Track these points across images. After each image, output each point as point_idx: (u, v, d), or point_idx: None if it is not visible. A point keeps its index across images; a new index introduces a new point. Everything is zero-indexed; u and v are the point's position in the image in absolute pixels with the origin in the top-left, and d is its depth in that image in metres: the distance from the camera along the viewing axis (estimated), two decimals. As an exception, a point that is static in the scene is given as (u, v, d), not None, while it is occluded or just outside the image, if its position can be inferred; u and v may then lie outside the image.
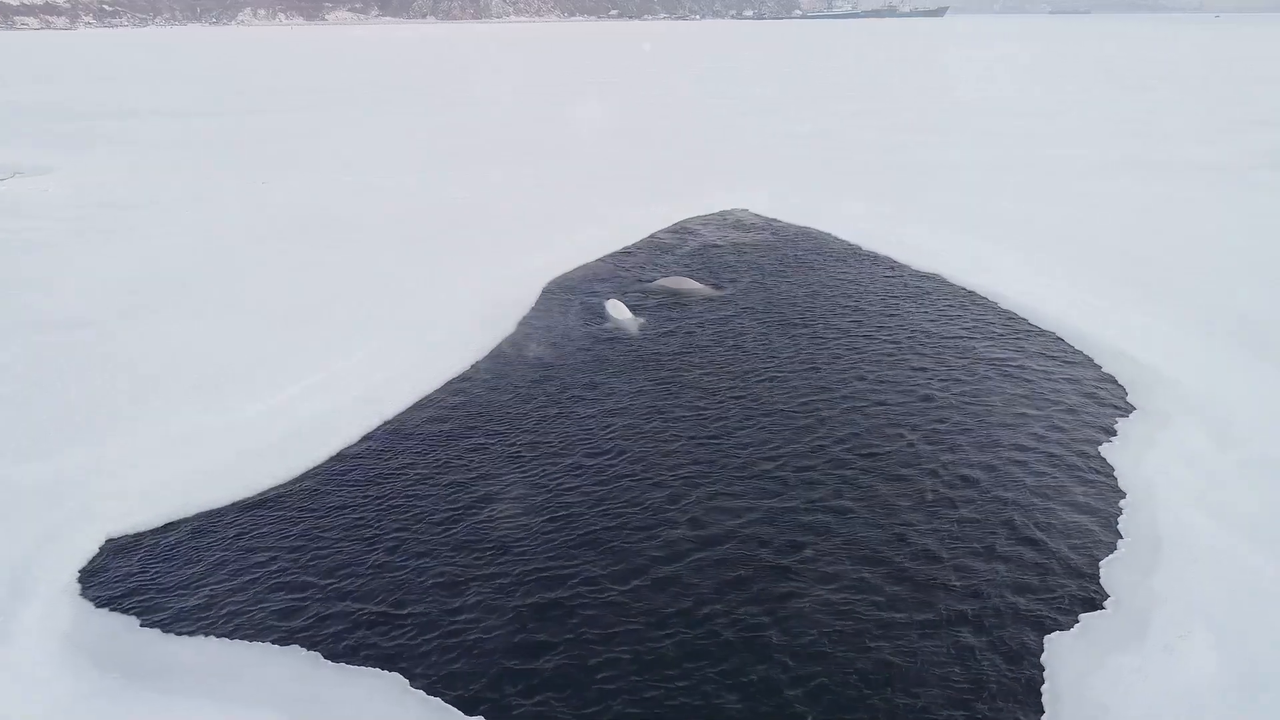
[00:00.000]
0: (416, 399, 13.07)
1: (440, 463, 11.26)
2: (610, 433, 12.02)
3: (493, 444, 11.75)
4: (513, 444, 11.75)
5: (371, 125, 44.87)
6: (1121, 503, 10.26)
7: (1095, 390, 13.35)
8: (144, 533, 9.85)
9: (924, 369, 14.12)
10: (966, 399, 13.02)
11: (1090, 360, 14.44)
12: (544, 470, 11.05)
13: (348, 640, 8.14)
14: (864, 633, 8.14)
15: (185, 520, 10.07)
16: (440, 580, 8.95)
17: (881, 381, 13.64)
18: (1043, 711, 7.26)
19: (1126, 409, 12.71)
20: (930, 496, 10.39)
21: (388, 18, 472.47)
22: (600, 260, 20.47)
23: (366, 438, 11.93)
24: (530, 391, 13.39)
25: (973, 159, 32.83)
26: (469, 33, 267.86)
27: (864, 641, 8.03)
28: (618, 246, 21.56)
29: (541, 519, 9.98)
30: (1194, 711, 7.16)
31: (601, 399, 13.09)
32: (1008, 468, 11.07)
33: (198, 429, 11.74)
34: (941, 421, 12.29)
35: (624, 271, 19.67)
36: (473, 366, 14.35)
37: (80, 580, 9.02)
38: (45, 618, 8.34)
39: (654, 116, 48.28)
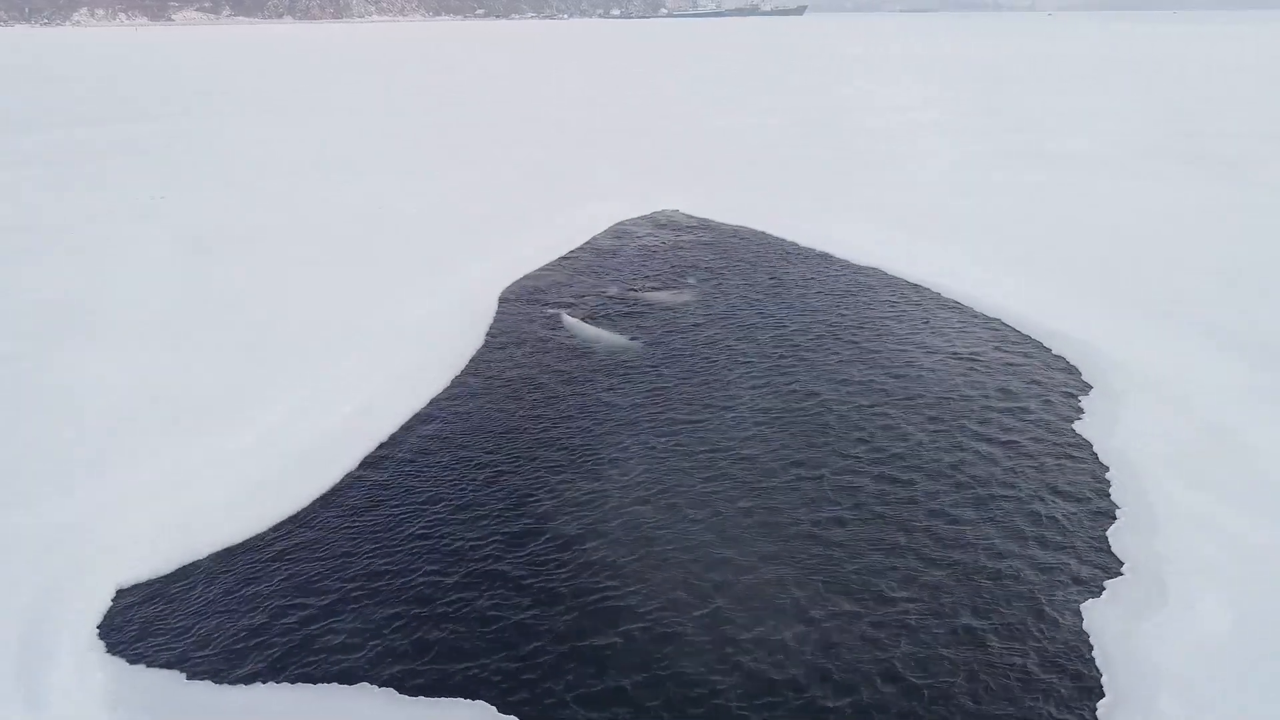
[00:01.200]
0: (408, 418, 12.75)
1: (452, 484, 11.04)
2: (612, 445, 12.07)
3: (502, 463, 11.60)
4: (521, 462, 11.64)
5: (263, 133, 42.80)
6: (1108, 475, 11.10)
7: (1050, 372, 14.33)
8: (156, 580, 9.27)
9: (887, 363, 14.78)
10: (937, 389, 13.70)
11: (1039, 344, 15.45)
12: (559, 488, 11.01)
13: (416, 672, 7.93)
14: (909, 632, 8.54)
15: (198, 563, 9.52)
16: (491, 603, 8.82)
17: (852, 378, 14.18)
18: (1100, 674, 7.84)
19: (1084, 387, 13.71)
20: (930, 487, 10.93)
21: (241, 17, 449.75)
22: (548, 267, 20.37)
23: (368, 463, 11.55)
24: (519, 409, 13.25)
25: (883, 153, 34.43)
26: (333, 33, 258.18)
27: (913, 642, 8.42)
28: (561, 252, 21.51)
29: (573, 542, 9.96)
30: (1229, 662, 7.86)
31: (594, 414, 13.08)
32: (996, 450, 11.77)
33: (185, 465, 11.08)
34: (921, 413, 12.93)
35: (577, 278, 19.64)
36: (453, 383, 14.06)
37: (102, 636, 8.41)
38: (79, 680, 7.76)
39: (562, 114, 48.06)
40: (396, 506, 10.53)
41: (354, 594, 8.98)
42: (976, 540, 9.77)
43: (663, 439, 12.11)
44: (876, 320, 16.67)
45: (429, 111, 52.28)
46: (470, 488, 10.93)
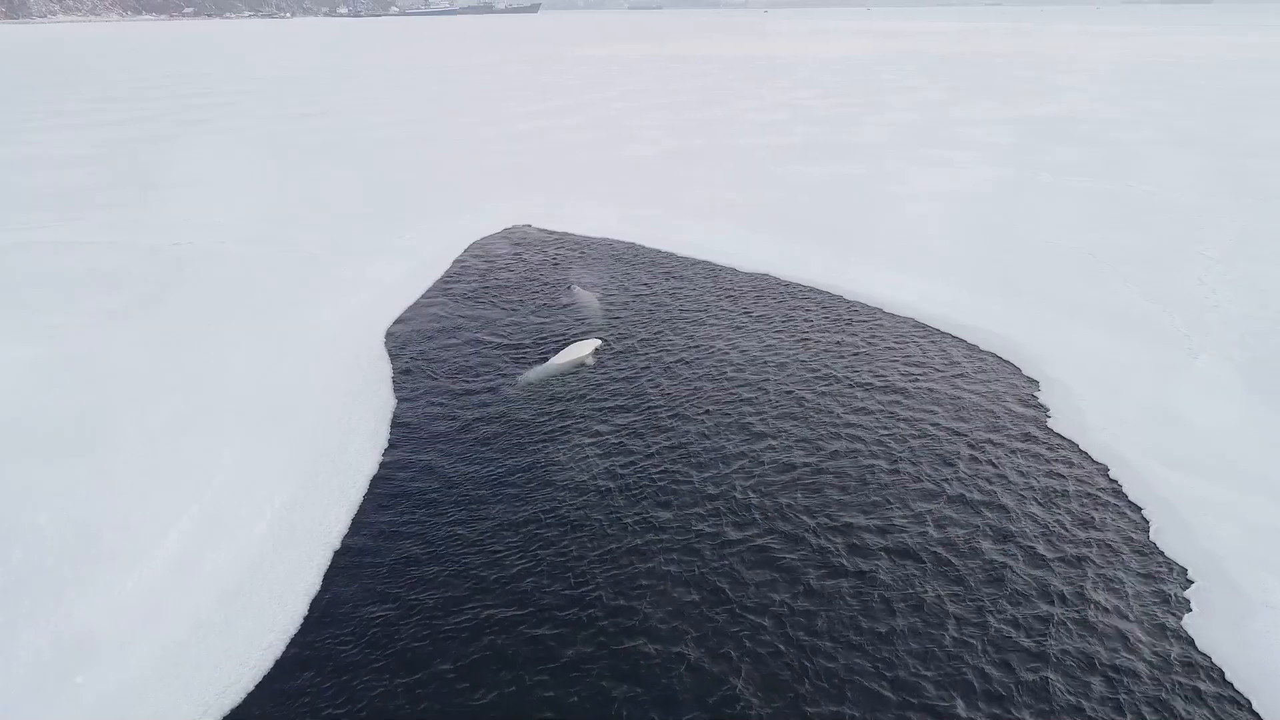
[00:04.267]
0: (351, 515, 10.41)
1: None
2: (601, 501, 10.58)
3: (482, 548, 9.74)
4: (501, 538, 9.85)
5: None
6: (1111, 474, 11.22)
7: (993, 370, 14.49)
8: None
9: (840, 382, 14.33)
10: (899, 406, 13.24)
11: (964, 341, 15.67)
12: (549, 558, 9.41)
13: None
14: (1029, 682, 7.98)
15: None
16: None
17: (811, 405, 13.52)
18: (1248, 698, 7.63)
19: (1031, 383, 13.99)
20: (949, 524, 10.41)
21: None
22: (426, 299, 18.05)
23: (329, 580, 9.22)
24: (480, 475, 11.32)
25: (677, 149, 34.78)
26: (8, 36, 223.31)
27: (1033, 672, 7.87)
28: (432, 279, 19.22)
29: (576, 623, 8.47)
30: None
31: (549, 464, 11.46)
32: (991, 464, 11.49)
33: (85, 628, 8.25)
34: (891, 437, 12.49)
35: (471, 310, 17.47)
36: (391, 447, 11.83)
37: None
38: None
39: (350, 128, 44.01)
40: (390, 637, 8.42)
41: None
42: (1038, 569, 9.38)
43: (659, 491, 10.78)
44: (819, 336, 16.04)
45: (195, 125, 46.06)
46: (472, 577, 9.00)
